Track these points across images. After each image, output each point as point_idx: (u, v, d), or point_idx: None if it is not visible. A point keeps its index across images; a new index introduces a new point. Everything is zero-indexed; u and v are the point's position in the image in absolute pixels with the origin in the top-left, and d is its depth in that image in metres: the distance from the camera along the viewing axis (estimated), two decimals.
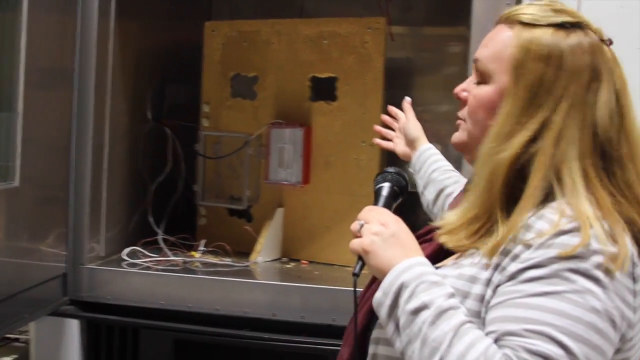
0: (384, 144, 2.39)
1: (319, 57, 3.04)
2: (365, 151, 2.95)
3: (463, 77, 3.05)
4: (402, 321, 1.26)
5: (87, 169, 2.76)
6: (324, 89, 3.06)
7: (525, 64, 1.37)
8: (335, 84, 3.02)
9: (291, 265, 3.01)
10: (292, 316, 2.60)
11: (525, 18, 1.41)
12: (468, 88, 1.49)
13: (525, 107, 1.36)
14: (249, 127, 3.11)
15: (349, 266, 2.91)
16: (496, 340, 1.21)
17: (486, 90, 1.43)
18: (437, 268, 1.37)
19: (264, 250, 2.98)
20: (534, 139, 1.33)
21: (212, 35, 3.24)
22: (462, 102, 1.50)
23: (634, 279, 1.27)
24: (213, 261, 2.92)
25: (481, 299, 1.30)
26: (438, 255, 1.44)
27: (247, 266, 2.89)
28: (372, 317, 1.44)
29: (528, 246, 1.25)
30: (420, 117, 2.27)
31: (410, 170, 2.25)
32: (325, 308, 2.57)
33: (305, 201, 3.06)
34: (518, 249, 1.27)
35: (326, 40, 3.03)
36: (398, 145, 2.33)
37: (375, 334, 1.43)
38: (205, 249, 3.00)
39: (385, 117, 2.40)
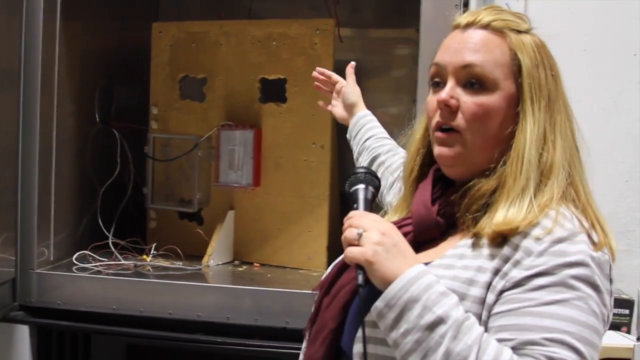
0: (323, 105, 2.40)
1: (268, 59, 3.03)
2: (315, 153, 2.95)
3: (412, 79, 3.08)
4: (416, 336, 1.26)
5: (35, 172, 2.71)
6: (274, 91, 3.05)
7: (534, 71, 1.42)
8: (284, 86, 3.01)
9: (243, 268, 2.99)
10: (245, 319, 2.59)
11: (508, 24, 1.45)
12: (456, 95, 1.45)
13: (545, 112, 1.41)
14: (198, 129, 3.09)
15: (301, 269, 2.93)
16: (514, 348, 1.25)
17: (494, 99, 1.42)
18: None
19: (216, 254, 2.96)
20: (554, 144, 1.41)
21: (159, 37, 3.21)
22: (448, 111, 1.45)
23: (610, 281, 1.36)
24: (165, 265, 2.89)
25: (481, 301, 1.33)
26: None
27: (199, 269, 2.88)
28: (347, 313, 1.44)
29: (528, 253, 1.31)
30: None
31: (347, 136, 2.26)
32: (279, 311, 2.56)
33: (256, 203, 3.05)
34: (518, 255, 1.32)
35: (275, 42, 3.02)
36: (336, 109, 2.33)
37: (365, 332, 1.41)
38: (156, 252, 2.97)
39: (314, 74, 2.39)
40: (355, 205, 1.48)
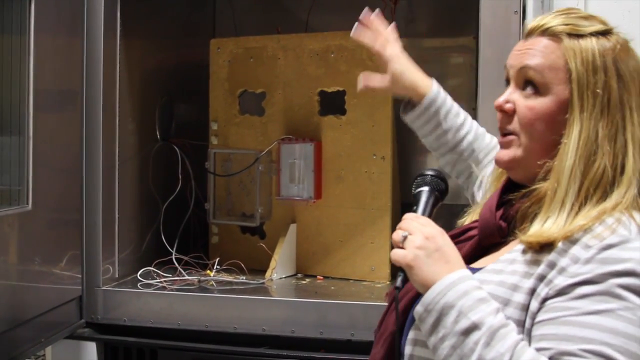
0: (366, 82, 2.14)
1: (326, 71, 3.03)
2: (376, 164, 2.93)
3: (469, 88, 3.04)
4: (451, 341, 1.27)
5: (98, 190, 2.75)
6: (333, 103, 3.05)
7: (588, 77, 1.39)
8: (343, 98, 3.00)
9: (307, 281, 2.98)
10: (310, 332, 2.58)
11: (567, 29, 1.43)
12: (512, 99, 1.46)
13: (599, 119, 1.37)
14: (258, 144, 3.10)
15: (364, 280, 2.92)
16: (551, 358, 1.23)
17: (545, 103, 1.42)
18: (474, 270, 1.39)
19: (279, 267, 2.96)
20: (616, 151, 1.37)
21: (217, 53, 3.22)
22: (505, 115, 1.47)
23: None
24: (228, 279, 2.90)
25: (524, 308, 1.31)
26: (474, 254, 1.47)
27: (262, 283, 2.88)
28: (407, 317, 1.46)
29: (575, 260, 1.28)
30: None
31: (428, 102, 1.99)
32: (344, 323, 2.55)
33: (317, 216, 3.04)
34: (564, 261, 1.29)
35: (333, 54, 3.02)
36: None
37: (412, 335, 1.43)
38: (219, 267, 2.98)
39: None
40: (414, 207, 1.50)
